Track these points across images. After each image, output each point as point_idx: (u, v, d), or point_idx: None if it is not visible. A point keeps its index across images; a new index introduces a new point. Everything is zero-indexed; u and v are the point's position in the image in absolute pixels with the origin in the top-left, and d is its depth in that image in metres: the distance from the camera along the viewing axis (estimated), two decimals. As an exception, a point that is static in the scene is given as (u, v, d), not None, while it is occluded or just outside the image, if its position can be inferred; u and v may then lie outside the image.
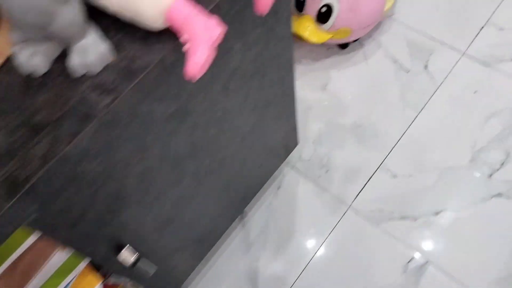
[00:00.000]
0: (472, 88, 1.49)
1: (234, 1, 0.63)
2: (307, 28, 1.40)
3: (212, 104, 0.74)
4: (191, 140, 0.75)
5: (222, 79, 0.73)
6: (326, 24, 1.39)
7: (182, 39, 0.55)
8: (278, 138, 1.11)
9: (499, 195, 1.31)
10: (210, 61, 0.56)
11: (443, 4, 1.66)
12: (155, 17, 0.55)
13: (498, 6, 1.63)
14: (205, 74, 0.68)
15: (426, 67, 1.54)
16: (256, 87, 0.84)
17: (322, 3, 1.36)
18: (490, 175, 1.34)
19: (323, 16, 1.38)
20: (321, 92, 1.55)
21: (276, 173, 1.39)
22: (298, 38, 1.46)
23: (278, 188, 1.40)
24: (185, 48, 0.55)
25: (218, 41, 0.56)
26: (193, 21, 0.54)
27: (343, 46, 1.59)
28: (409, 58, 1.57)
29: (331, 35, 1.42)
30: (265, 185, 1.39)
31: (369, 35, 1.61)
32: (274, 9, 0.75)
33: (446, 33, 1.60)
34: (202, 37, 0.54)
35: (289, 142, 1.20)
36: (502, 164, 1.35)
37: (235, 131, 0.87)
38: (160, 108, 0.63)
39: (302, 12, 1.41)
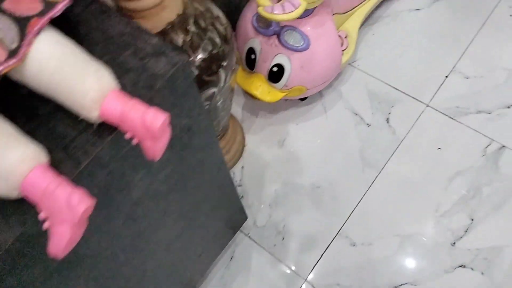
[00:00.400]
0: (435, 144, 1.41)
1: (121, 144, 0.54)
2: (258, 87, 1.32)
3: (115, 237, 0.65)
4: (92, 277, 0.66)
5: (123, 212, 0.64)
6: (278, 83, 1.30)
7: (40, 216, 0.46)
8: (219, 225, 1.02)
9: (462, 266, 1.23)
10: (76, 239, 0.47)
11: (406, 52, 1.58)
12: (7, 191, 0.46)
13: (464, 53, 1.55)
14: (96, 216, 0.59)
15: (388, 120, 1.46)
16: (177, 198, 0.76)
17: (273, 63, 1.28)
18: (454, 243, 1.26)
19: (275, 75, 1.29)
20: (278, 149, 1.46)
21: (229, 242, 1.31)
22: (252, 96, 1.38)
23: (231, 259, 1.31)
24: (45, 226, 0.46)
25: (86, 216, 0.47)
26: (52, 196, 0.45)
27: (302, 98, 1.51)
28: (370, 111, 1.49)
29: (285, 93, 1.34)
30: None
31: (329, 84, 1.53)
32: (186, 126, 0.66)
33: (409, 82, 1.52)
34: (63, 215, 0.45)
35: (235, 222, 1.11)
36: (466, 230, 1.27)
37: (156, 245, 0.78)
38: (35, 272, 0.54)
39: (254, 70, 1.33)
